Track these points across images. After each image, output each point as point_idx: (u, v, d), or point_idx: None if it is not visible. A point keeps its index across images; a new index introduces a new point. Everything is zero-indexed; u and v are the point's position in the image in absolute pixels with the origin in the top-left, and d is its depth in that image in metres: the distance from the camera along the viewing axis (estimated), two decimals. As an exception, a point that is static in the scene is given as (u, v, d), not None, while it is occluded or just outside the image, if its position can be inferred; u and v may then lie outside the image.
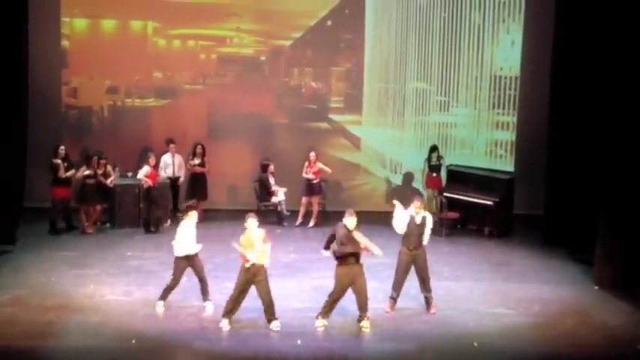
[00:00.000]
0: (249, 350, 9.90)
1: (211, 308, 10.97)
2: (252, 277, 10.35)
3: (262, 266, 10.35)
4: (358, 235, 10.27)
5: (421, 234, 11.03)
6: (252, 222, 10.38)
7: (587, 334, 10.66)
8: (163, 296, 10.99)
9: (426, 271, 11.07)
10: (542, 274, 13.05)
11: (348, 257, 10.36)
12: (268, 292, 10.44)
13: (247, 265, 10.29)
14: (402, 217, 11.01)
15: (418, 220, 10.99)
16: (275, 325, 10.48)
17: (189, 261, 10.90)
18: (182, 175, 15.80)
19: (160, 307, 10.96)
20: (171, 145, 15.72)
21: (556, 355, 10.10)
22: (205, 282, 11.04)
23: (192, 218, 10.92)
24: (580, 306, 11.66)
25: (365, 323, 10.57)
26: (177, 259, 10.88)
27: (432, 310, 11.10)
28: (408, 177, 17.05)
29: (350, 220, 10.34)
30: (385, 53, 17.03)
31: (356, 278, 10.45)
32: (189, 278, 11.16)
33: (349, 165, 17.22)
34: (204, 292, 11.06)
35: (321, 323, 10.59)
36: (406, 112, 17.16)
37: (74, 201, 14.88)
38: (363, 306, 10.55)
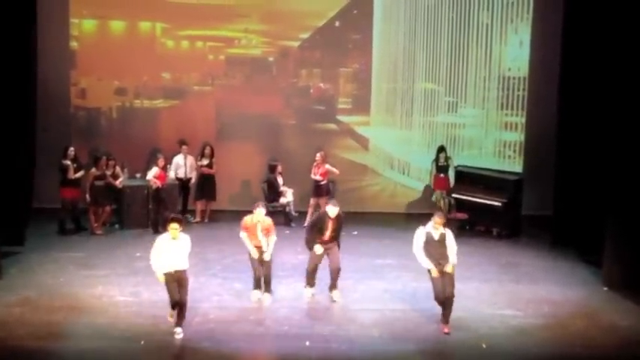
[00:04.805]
0: (258, 351, 9.93)
1: (180, 335, 10.08)
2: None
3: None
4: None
5: (443, 252, 10.48)
6: (259, 211, 11.02)
7: (597, 335, 10.63)
8: (172, 307, 10.41)
9: (452, 289, 10.43)
10: (551, 275, 13.01)
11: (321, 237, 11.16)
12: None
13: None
14: (417, 240, 10.60)
15: (436, 236, 10.49)
16: (264, 296, 11.25)
17: (176, 277, 10.14)
18: (193, 177, 15.81)
19: (170, 315, 10.49)
20: (184, 147, 15.71)
21: (565, 356, 10.06)
22: (182, 307, 10.09)
23: (171, 232, 10.12)
24: (589, 307, 11.62)
25: (335, 293, 11.28)
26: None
27: (446, 330, 10.48)
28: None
29: (332, 210, 11.11)
30: (393, 54, 17.01)
31: (330, 249, 11.25)
32: (195, 279, 11.20)
33: (357, 166, 17.18)
34: (179, 316, 10.12)
35: (309, 292, 11.38)
36: (414, 113, 17.12)
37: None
38: (334, 274, 11.28)
